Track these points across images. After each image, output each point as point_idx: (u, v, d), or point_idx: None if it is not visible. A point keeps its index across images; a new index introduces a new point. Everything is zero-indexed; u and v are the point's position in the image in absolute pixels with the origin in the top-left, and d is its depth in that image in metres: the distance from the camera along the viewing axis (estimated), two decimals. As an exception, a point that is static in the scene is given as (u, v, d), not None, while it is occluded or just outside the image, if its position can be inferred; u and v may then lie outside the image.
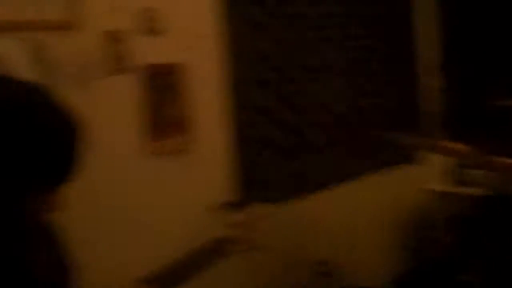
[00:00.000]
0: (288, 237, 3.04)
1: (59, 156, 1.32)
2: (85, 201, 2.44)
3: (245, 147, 2.98)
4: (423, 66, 4.08)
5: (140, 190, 2.69)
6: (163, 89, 2.74)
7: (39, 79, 2.17)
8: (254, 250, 1.76)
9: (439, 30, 4.16)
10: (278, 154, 3.17)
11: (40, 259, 1.49)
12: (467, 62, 4.11)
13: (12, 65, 2.27)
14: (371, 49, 3.75)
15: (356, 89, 3.66)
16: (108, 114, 2.57)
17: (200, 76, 2.83)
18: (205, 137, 2.84)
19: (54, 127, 1.30)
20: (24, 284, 1.44)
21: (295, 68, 3.28)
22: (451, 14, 4.13)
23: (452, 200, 3.91)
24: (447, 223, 3.89)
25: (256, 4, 3.08)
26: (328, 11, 3.44)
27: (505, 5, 3.86)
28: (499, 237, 3.21)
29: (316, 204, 3.33)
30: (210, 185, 2.76)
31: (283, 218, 2.89)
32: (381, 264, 3.72)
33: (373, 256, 3.69)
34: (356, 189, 3.58)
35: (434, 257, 3.85)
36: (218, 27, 2.93)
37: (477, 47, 4.06)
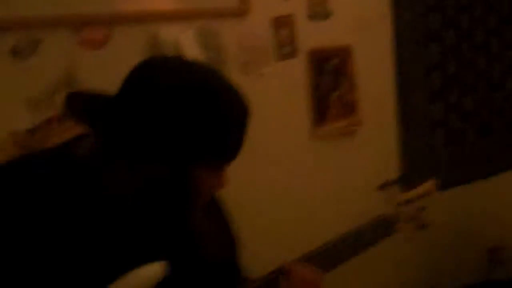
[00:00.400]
0: (459, 221, 2.97)
1: (232, 136, 1.40)
2: (255, 180, 2.55)
3: (414, 129, 2.93)
4: None
5: (308, 172, 2.73)
6: (330, 72, 2.76)
7: (212, 64, 2.28)
8: (421, 229, 1.74)
9: None
10: (450, 137, 3.10)
11: (209, 229, 1.58)
12: None
13: (186, 51, 2.39)
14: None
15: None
16: (276, 98, 2.62)
17: (367, 59, 2.82)
18: (372, 120, 2.83)
19: (232, 109, 1.38)
20: (194, 252, 1.51)
21: (467, 48, 3.17)
22: None
23: None
24: None
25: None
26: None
27: None
28: None
29: (488, 189, 3.22)
30: (377, 166, 2.74)
31: (453, 201, 2.83)
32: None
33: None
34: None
35: None
36: (383, 10, 2.89)
37: None
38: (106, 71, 2.15)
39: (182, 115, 1.31)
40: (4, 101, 2.12)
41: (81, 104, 1.43)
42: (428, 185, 1.76)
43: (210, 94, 1.35)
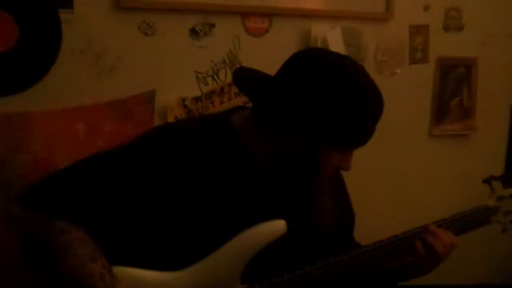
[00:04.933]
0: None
1: (365, 124, 1.42)
2: (377, 166, 2.64)
3: None
4: None
5: (423, 164, 2.78)
6: (455, 80, 2.76)
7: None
8: None
9: None
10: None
11: (329, 202, 1.57)
12: None
13: (332, 46, 2.46)
14: None
15: None
16: (404, 97, 2.66)
17: (490, 72, 2.80)
18: (486, 126, 2.82)
19: (369, 100, 1.40)
20: (313, 218, 1.54)
21: None
22: None
23: None
24: None
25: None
26: None
27: None
28: None
29: None
30: (485, 166, 2.68)
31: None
32: None
33: None
34: None
35: None
36: (511, 29, 2.86)
37: None
38: (264, 56, 2.28)
39: (326, 98, 1.36)
40: (179, 71, 2.30)
41: (246, 79, 1.52)
42: None
43: (353, 83, 1.38)
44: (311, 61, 1.41)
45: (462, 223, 1.65)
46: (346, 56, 1.50)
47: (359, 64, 1.47)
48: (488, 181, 1.72)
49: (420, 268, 1.59)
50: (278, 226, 1.44)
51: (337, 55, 1.47)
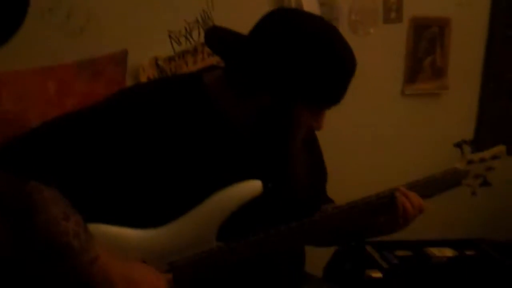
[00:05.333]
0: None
1: (338, 83, 1.42)
2: (350, 125, 2.65)
3: (493, 99, 2.90)
4: None
5: (395, 123, 2.79)
6: (428, 39, 2.77)
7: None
8: (485, 187, 1.77)
9: None
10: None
11: (302, 160, 1.62)
12: None
13: (306, 6, 2.43)
14: None
15: None
16: (377, 56, 2.65)
17: (462, 32, 2.79)
18: (458, 86, 2.82)
19: (342, 59, 1.40)
20: (287, 176, 1.58)
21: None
22: None
23: None
24: None
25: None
26: None
27: None
28: None
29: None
30: (456, 126, 2.78)
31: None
32: None
33: None
34: None
35: None
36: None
37: None
38: (238, 16, 2.21)
39: (298, 57, 1.36)
40: (152, 31, 2.27)
41: (218, 38, 1.50)
42: (498, 149, 1.75)
43: (326, 43, 1.38)
44: (284, 21, 1.41)
45: (433, 186, 1.67)
46: (319, 16, 1.51)
47: (332, 24, 1.47)
48: (459, 145, 1.74)
49: (389, 227, 1.62)
50: (254, 186, 1.46)
51: (309, 15, 1.47)
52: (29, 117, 2.05)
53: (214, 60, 2.27)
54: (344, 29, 2.47)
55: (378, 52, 2.67)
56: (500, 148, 1.77)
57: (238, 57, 1.42)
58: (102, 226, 1.41)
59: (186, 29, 2.32)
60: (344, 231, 1.62)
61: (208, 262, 1.45)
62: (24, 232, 1.33)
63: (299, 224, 1.51)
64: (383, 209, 1.58)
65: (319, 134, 1.66)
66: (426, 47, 2.78)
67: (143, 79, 2.25)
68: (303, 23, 1.40)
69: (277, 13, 1.49)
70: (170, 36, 2.30)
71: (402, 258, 2.47)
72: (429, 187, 1.66)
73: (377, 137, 2.76)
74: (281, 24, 1.40)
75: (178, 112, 1.44)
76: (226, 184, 1.45)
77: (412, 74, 2.77)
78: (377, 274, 2.33)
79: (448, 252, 2.53)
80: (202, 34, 2.31)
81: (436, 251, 2.52)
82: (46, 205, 1.31)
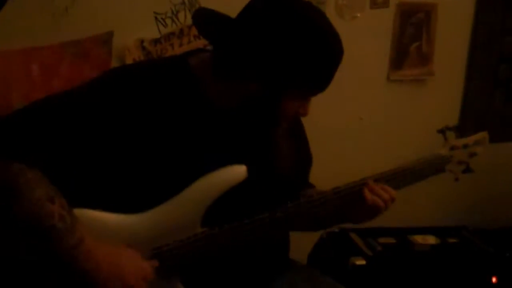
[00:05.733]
0: (502, 172, 2.99)
1: (324, 69, 1.42)
2: (334, 111, 2.64)
3: (478, 86, 2.91)
4: None
5: (380, 108, 2.79)
6: (414, 25, 2.76)
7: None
8: (468, 173, 1.78)
9: None
10: (509, 97, 3.06)
11: (286, 147, 1.62)
12: None
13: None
14: None
15: None
16: (363, 41, 2.64)
17: (449, 18, 2.79)
18: (443, 72, 2.82)
19: (329, 45, 1.40)
20: (271, 162, 1.58)
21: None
22: None
23: None
24: None
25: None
26: None
27: None
28: None
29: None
30: (441, 112, 2.78)
31: (499, 154, 2.86)
32: None
33: None
34: None
35: None
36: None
37: None
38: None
39: (285, 42, 1.35)
40: (137, 12, 2.25)
41: (206, 21, 1.48)
42: (481, 135, 1.76)
43: (313, 29, 1.38)
44: (272, 6, 1.39)
45: (416, 172, 1.67)
46: (307, 1, 1.49)
47: (319, 9, 1.47)
48: (442, 131, 1.75)
49: (358, 218, 1.62)
50: (238, 171, 1.46)
51: (297, 0, 1.45)
52: (13, 99, 2.03)
53: (201, 43, 2.25)
54: (330, 13, 2.46)
55: (364, 37, 2.65)
56: (483, 134, 1.78)
57: (226, 41, 1.41)
58: (86, 210, 1.40)
59: (172, 11, 2.30)
60: (317, 220, 1.61)
61: (193, 247, 1.44)
62: (8, 214, 1.32)
63: (283, 208, 1.51)
64: (351, 202, 1.57)
65: (304, 119, 1.66)
66: (412, 32, 2.77)
67: (129, 61, 2.23)
68: (291, 8, 1.38)
69: None
70: (156, 18, 2.28)
71: (386, 246, 2.48)
72: (412, 174, 1.66)
73: (362, 122, 2.77)
74: (268, 8, 1.39)
75: (163, 95, 1.43)
76: (210, 169, 1.44)
77: (398, 59, 2.77)
78: (361, 262, 2.34)
79: (431, 240, 2.54)
80: (189, 16, 2.30)
81: (419, 239, 2.53)
82: (30, 187, 1.30)
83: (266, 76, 1.38)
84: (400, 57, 2.77)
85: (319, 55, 1.39)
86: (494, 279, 2.46)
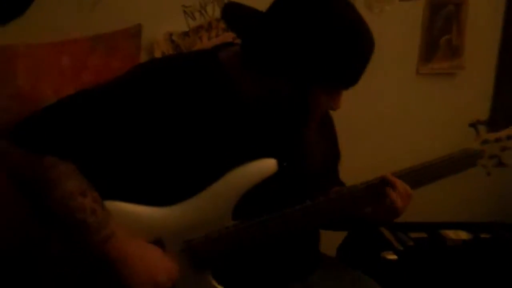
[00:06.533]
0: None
1: (355, 64, 1.41)
2: (364, 105, 2.61)
3: (508, 79, 2.86)
4: None
5: (410, 102, 2.76)
6: (444, 17, 2.73)
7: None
8: (500, 167, 1.76)
9: None
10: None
11: (316, 142, 1.63)
12: None
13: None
14: None
15: None
16: (392, 34, 2.61)
17: (480, 11, 2.75)
18: (474, 66, 2.78)
19: (360, 40, 1.39)
20: (301, 158, 1.59)
21: None
22: None
23: None
24: None
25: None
26: None
27: None
28: None
29: None
30: (471, 106, 2.74)
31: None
32: None
33: None
34: None
35: None
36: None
37: None
38: None
39: (316, 36, 1.34)
40: (165, 6, 2.25)
41: (236, 15, 1.49)
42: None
43: (344, 22, 1.36)
44: (296, 0, 1.39)
45: (448, 167, 1.66)
46: None
47: (350, 2, 1.44)
48: (474, 125, 1.73)
49: (377, 219, 1.60)
50: (269, 164, 1.46)
51: None
52: (44, 91, 2.04)
53: (229, 36, 2.24)
54: (359, 6, 2.36)
55: (393, 30, 2.62)
56: None
57: (255, 34, 1.40)
58: (118, 203, 1.41)
59: (200, 4, 2.29)
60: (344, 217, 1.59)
61: (224, 240, 1.45)
62: (42, 208, 1.33)
63: (314, 203, 1.51)
64: (369, 200, 1.55)
65: (333, 113, 1.65)
66: (442, 25, 2.74)
67: (158, 54, 2.23)
68: (321, 1, 1.37)
69: None
70: (184, 11, 2.28)
71: (417, 240, 2.46)
72: (443, 169, 1.65)
73: (391, 116, 2.73)
74: (299, 2, 1.38)
75: (194, 89, 1.44)
76: (241, 162, 1.45)
77: (428, 53, 2.73)
78: (392, 256, 2.32)
79: (463, 235, 2.52)
80: (217, 9, 2.29)
81: (451, 234, 2.50)
82: (63, 180, 1.32)
83: (296, 70, 1.37)
84: (429, 50, 2.73)
85: (351, 49, 1.37)
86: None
